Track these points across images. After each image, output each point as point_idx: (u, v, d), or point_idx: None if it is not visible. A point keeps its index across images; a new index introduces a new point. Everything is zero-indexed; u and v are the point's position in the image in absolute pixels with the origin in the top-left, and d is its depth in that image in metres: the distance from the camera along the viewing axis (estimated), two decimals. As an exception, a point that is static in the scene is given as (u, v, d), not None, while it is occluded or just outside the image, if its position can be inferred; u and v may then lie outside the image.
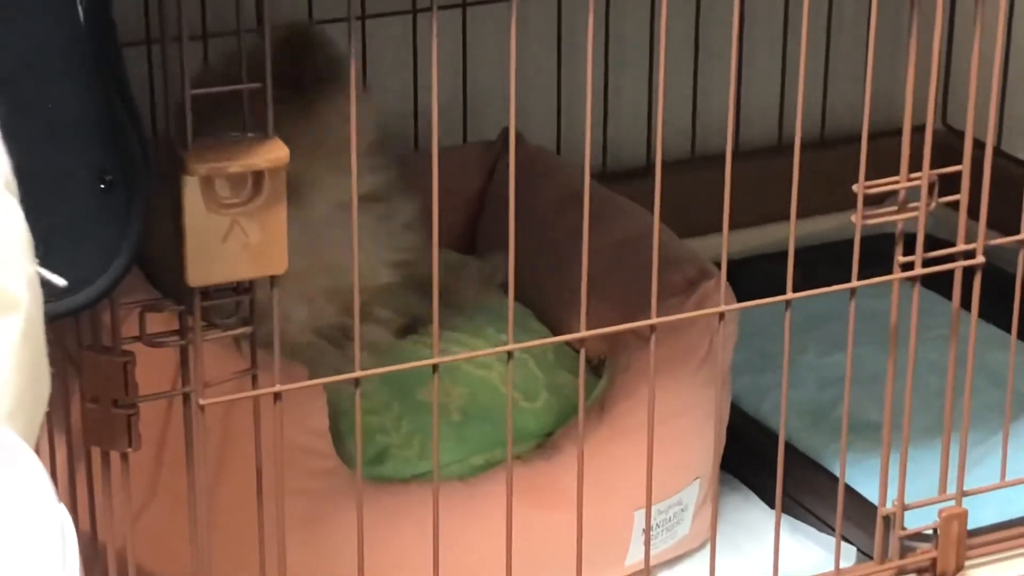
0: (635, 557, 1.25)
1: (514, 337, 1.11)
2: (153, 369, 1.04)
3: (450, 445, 1.26)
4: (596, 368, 1.34)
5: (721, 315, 1.16)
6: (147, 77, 1.36)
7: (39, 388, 0.77)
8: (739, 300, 1.23)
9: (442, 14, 1.05)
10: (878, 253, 1.20)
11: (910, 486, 1.24)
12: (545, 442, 1.28)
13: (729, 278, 1.19)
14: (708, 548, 1.21)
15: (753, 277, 1.32)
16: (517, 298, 1.25)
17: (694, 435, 1.26)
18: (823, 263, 1.34)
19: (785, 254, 1.15)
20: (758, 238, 1.63)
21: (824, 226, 1.61)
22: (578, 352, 1.11)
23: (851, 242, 1.15)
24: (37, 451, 0.76)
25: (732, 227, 1.13)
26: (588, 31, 1.04)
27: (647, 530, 1.19)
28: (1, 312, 0.74)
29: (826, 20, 1.68)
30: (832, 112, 1.72)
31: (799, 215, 1.16)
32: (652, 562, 1.24)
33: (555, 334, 1.33)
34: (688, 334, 1.26)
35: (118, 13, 0.92)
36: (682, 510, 1.28)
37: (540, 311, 1.39)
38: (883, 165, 1.18)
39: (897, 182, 1.16)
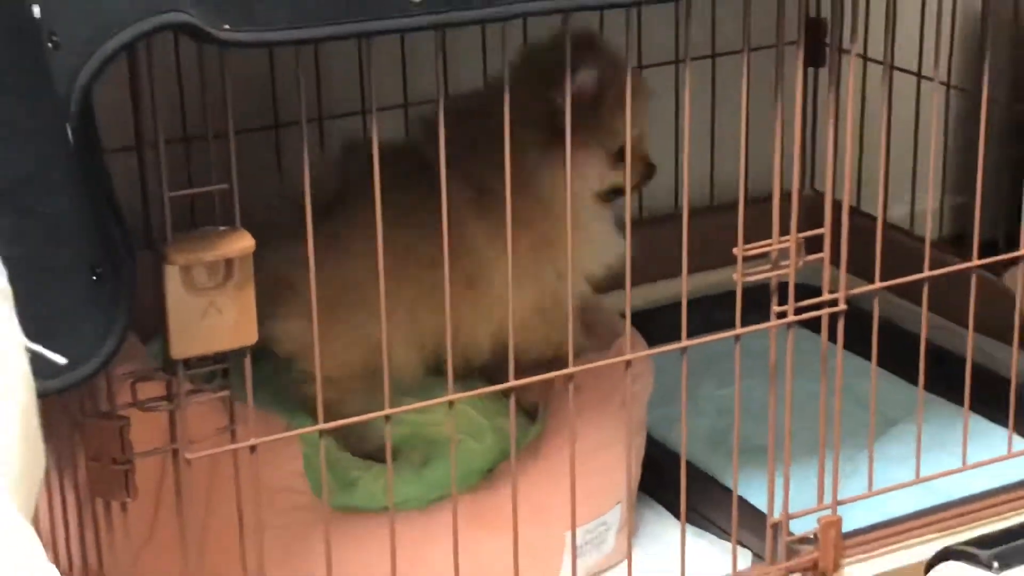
0: (568, 571, 1.29)
1: (461, 392, 1.17)
2: (150, 425, 1.08)
3: (411, 481, 1.32)
4: (531, 414, 1.39)
5: (628, 362, 1.21)
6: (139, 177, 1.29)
7: (36, 463, 0.81)
8: (650, 344, 1.28)
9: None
10: (765, 299, 1.24)
11: (794, 498, 1.28)
12: (490, 475, 1.34)
13: (640, 327, 1.25)
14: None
15: (660, 325, 1.35)
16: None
17: (617, 466, 1.30)
18: (720, 309, 1.41)
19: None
20: (662, 291, 1.66)
21: (721, 277, 1.50)
22: (514, 400, 1.18)
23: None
24: (36, 519, 0.79)
25: (638, 283, 1.19)
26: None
27: (573, 547, 1.25)
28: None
29: (710, 100, 1.71)
30: (719, 181, 1.75)
31: (697, 270, 1.21)
32: (582, 574, 1.30)
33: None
34: (608, 381, 1.31)
35: (107, 120, 0.96)
36: (607, 529, 1.34)
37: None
38: (768, 223, 1.22)
39: (770, 245, 1.21)
